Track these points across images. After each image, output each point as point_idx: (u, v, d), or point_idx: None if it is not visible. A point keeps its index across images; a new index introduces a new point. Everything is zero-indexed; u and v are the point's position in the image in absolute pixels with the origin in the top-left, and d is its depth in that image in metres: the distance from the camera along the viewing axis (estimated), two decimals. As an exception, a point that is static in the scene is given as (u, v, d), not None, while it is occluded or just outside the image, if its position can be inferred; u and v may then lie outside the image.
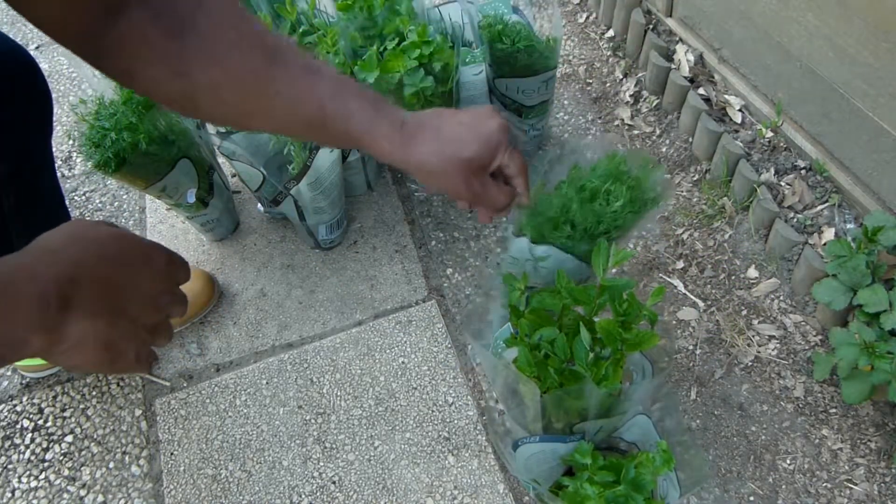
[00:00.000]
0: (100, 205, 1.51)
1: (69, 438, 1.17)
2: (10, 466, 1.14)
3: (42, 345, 0.43)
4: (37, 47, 1.91)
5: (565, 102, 1.59)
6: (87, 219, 0.85)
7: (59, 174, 1.55)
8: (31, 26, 1.93)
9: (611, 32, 1.70)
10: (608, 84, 1.62)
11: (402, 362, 1.20)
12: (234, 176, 1.48)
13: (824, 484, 1.03)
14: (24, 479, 1.13)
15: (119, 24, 0.50)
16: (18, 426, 1.19)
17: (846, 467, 1.04)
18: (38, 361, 1.20)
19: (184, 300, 0.54)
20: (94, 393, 1.21)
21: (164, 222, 1.46)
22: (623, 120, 1.54)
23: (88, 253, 0.46)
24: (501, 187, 0.69)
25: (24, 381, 1.24)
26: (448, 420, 1.13)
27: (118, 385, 1.22)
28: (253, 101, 0.56)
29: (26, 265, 0.43)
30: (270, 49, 0.55)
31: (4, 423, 1.19)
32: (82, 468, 1.13)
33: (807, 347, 1.15)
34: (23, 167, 0.87)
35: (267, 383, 1.20)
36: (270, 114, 0.58)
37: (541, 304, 0.79)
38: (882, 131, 1.08)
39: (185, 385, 1.21)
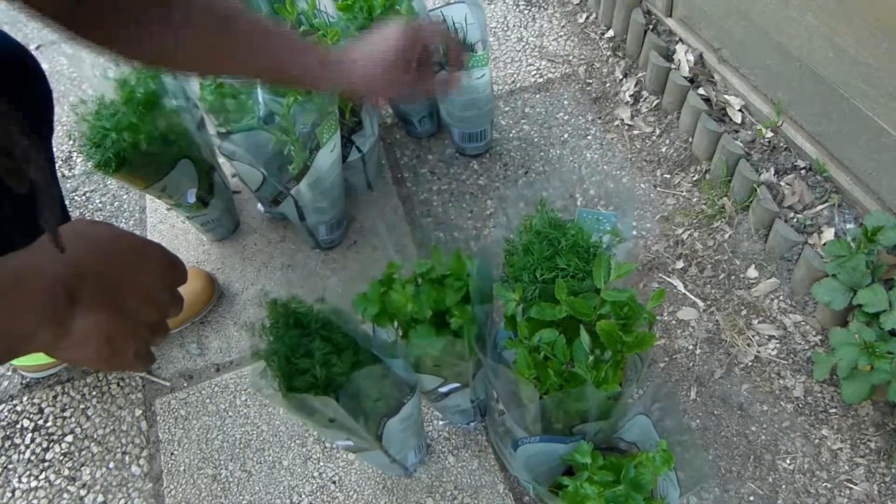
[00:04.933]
0: (100, 205, 1.51)
1: (69, 438, 1.17)
2: (10, 466, 1.15)
3: (49, 339, 0.44)
4: (37, 47, 1.90)
5: (565, 102, 1.59)
6: (87, 218, 0.86)
7: (59, 174, 1.56)
8: (31, 26, 1.93)
9: (611, 32, 1.70)
10: (608, 84, 1.61)
11: (402, 362, 1.20)
12: (234, 176, 1.48)
13: (824, 484, 1.03)
14: (25, 479, 1.13)
15: None
16: (18, 426, 1.19)
17: (846, 467, 1.04)
18: (38, 361, 1.20)
19: (180, 300, 0.55)
20: (94, 393, 1.22)
21: (164, 222, 1.46)
22: (623, 120, 1.54)
23: (90, 250, 0.47)
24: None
25: (24, 381, 1.24)
26: (448, 420, 1.13)
27: (118, 385, 1.22)
28: (218, 47, 0.69)
29: (33, 262, 0.44)
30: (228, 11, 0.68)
31: (4, 423, 1.20)
32: (82, 468, 1.13)
33: (807, 347, 1.15)
34: None
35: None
36: (235, 63, 0.72)
37: (540, 316, 0.79)
38: (882, 131, 1.08)
39: (185, 385, 1.21)
